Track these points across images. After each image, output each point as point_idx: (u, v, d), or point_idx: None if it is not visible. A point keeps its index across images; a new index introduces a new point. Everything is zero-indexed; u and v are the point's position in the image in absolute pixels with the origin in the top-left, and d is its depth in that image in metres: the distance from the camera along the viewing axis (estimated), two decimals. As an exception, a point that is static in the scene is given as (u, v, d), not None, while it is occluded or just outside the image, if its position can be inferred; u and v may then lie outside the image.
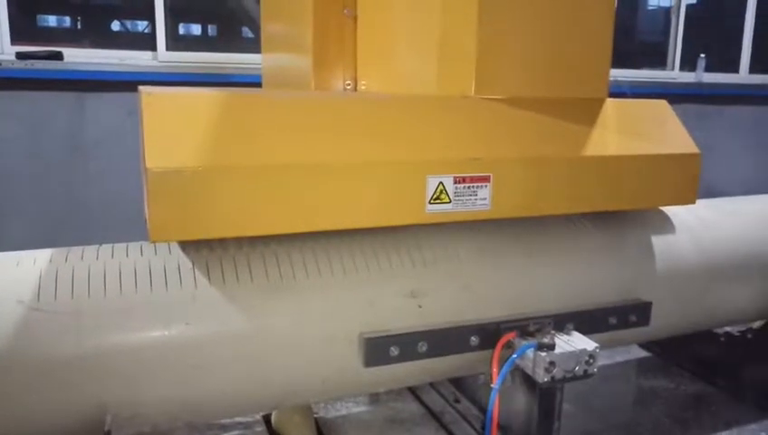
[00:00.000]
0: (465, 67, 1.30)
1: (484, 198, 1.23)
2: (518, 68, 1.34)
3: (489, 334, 1.27)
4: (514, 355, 1.20)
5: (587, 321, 1.37)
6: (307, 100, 1.25)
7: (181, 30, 4.80)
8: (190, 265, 1.17)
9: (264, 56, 2.17)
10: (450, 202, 1.21)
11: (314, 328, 1.20)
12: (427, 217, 1.20)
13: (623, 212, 1.46)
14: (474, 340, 1.27)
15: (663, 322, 1.56)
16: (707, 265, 1.59)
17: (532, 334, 1.26)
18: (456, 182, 1.20)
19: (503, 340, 1.23)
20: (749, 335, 1.74)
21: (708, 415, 1.65)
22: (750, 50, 5.66)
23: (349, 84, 1.68)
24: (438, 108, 1.29)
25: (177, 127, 1.06)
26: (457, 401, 1.65)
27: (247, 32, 4.92)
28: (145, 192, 1.04)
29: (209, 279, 1.16)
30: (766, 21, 5.72)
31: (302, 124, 1.15)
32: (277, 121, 1.14)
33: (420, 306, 1.27)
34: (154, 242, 1.07)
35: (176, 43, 4.37)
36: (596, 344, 1.21)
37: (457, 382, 1.66)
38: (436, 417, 1.61)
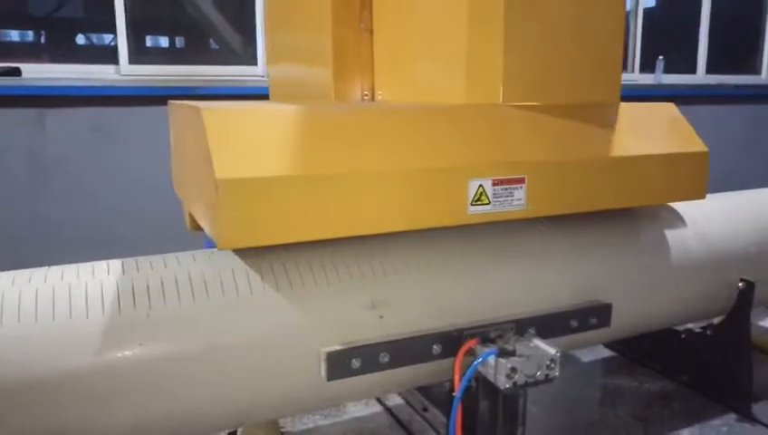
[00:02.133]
0: (492, 77, 1.40)
1: (520, 199, 1.33)
2: (541, 76, 1.44)
3: (451, 342, 1.28)
4: (476, 362, 1.21)
5: (548, 325, 1.39)
6: (353, 112, 1.32)
7: (149, 42, 4.74)
8: (145, 285, 1.15)
9: (272, 68, 2.27)
10: (489, 203, 1.30)
11: (273, 344, 1.19)
12: (469, 218, 1.29)
13: (590, 213, 1.49)
14: (436, 348, 1.28)
15: (624, 322, 1.59)
16: (668, 265, 1.63)
17: (493, 341, 1.27)
18: (494, 184, 1.30)
19: (464, 347, 1.24)
20: (708, 332, 1.77)
21: (670, 411, 1.68)
22: (706, 51, 5.82)
23: (366, 95, 1.78)
24: (472, 116, 1.38)
25: (236, 141, 1.14)
26: (425, 409, 1.65)
27: (215, 44, 4.87)
28: (205, 203, 1.17)
29: (164, 298, 1.14)
30: (722, 22, 5.89)
31: (351, 135, 1.24)
32: (329, 133, 1.23)
33: (381, 317, 1.27)
34: (222, 249, 1.14)
35: (142, 56, 4.32)
36: (556, 349, 1.23)
37: (425, 390, 1.66)
38: (404, 426, 1.61)
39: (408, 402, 1.70)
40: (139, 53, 4.51)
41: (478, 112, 1.38)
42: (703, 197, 1.60)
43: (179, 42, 4.95)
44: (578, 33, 1.47)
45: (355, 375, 1.21)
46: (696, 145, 1.58)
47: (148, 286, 1.15)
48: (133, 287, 1.14)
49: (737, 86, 5.99)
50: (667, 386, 1.82)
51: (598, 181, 1.43)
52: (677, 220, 1.71)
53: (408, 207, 1.23)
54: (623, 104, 1.56)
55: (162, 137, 4.36)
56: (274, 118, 1.21)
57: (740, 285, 1.69)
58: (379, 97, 1.78)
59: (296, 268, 1.27)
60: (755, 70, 6.21)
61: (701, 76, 5.89)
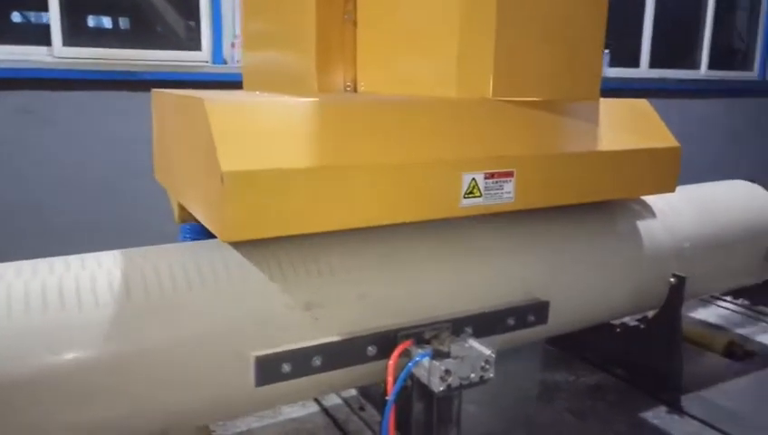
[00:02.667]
0: (482, 71, 1.41)
1: (509, 192, 1.37)
2: (528, 72, 1.47)
3: (386, 343, 1.26)
4: (409, 365, 1.19)
5: (485, 323, 1.39)
6: (350, 104, 1.33)
7: (91, 22, 4.51)
8: (74, 286, 1.09)
9: (247, 54, 2.23)
10: (481, 196, 1.34)
11: (200, 349, 1.15)
12: (461, 210, 1.33)
13: (531, 210, 1.50)
14: (371, 350, 1.25)
15: (562, 319, 1.60)
16: (606, 261, 1.65)
17: (429, 342, 1.25)
18: (486, 178, 1.34)
19: (398, 349, 1.22)
20: (642, 326, 1.81)
21: (604, 405, 1.71)
22: (650, 45, 5.97)
23: (349, 86, 1.79)
24: (464, 110, 1.40)
25: (239, 133, 1.15)
26: (362, 408, 1.63)
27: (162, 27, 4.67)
28: (204, 195, 1.19)
29: (94, 299, 1.09)
30: (665, 17, 6.05)
31: (351, 127, 1.26)
32: (330, 125, 1.25)
33: (316, 319, 1.24)
34: (226, 241, 1.17)
35: (82, 37, 4.11)
36: (491, 350, 1.22)
37: (362, 389, 1.64)
38: (339, 426, 1.58)
39: (345, 402, 1.68)
40: (81, 35, 4.29)
41: (470, 107, 1.41)
42: (673, 190, 1.69)
43: (124, 23, 4.72)
44: (564, 31, 1.51)
45: (286, 380, 1.18)
46: (669, 140, 1.65)
47: (77, 286, 1.09)
48: (61, 288, 1.08)
49: (679, 80, 6.18)
50: (602, 380, 1.85)
51: (581, 175, 1.49)
52: (626, 214, 1.74)
53: (404, 199, 1.26)
54: (602, 100, 1.61)
55: (99, 123, 4.18)
56: (275, 110, 1.23)
57: (671, 280, 1.72)
58: (362, 89, 1.79)
59: (225, 268, 1.22)
60: (695, 65, 6.42)
61: (644, 70, 6.05)
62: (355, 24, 1.78)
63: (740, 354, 2.02)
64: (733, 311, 2.42)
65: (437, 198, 1.30)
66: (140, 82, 4.09)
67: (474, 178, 1.33)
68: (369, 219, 1.25)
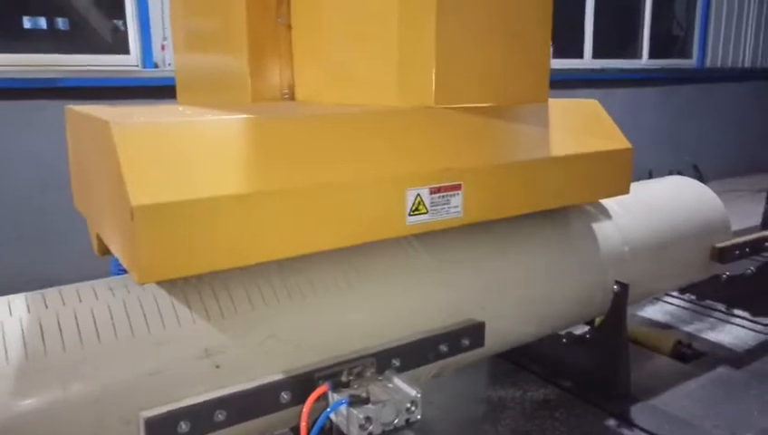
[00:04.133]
0: (424, 78, 1.31)
1: (457, 206, 1.29)
2: (473, 78, 1.38)
3: (302, 388, 1.12)
4: (324, 414, 1.05)
5: (414, 353, 1.26)
6: (278, 120, 1.17)
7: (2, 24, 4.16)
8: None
9: (179, 57, 2.10)
10: (427, 213, 1.25)
11: (80, 413, 0.98)
12: (407, 229, 1.23)
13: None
14: (285, 396, 1.11)
15: (500, 337, 1.49)
16: (545, 273, 1.55)
17: (347, 384, 1.12)
18: (431, 193, 1.25)
19: (313, 396, 1.08)
20: (587, 335, 1.73)
21: (552, 423, 1.61)
22: (592, 36, 5.99)
23: (286, 93, 1.70)
24: (404, 120, 1.29)
25: (151, 160, 1.00)
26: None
27: (35, 22, 4.29)
28: (118, 230, 1.04)
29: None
30: (607, 7, 6.07)
31: (278, 147, 1.12)
32: (253, 146, 1.10)
33: (218, 366, 1.08)
34: (141, 283, 1.02)
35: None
36: (417, 390, 1.10)
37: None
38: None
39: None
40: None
41: (411, 116, 1.31)
42: (627, 192, 1.63)
43: (39, 24, 4.40)
44: (508, 32, 1.41)
45: (184, 441, 1.02)
46: (621, 142, 1.60)
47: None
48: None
49: (621, 70, 6.23)
50: (550, 393, 1.76)
51: (532, 183, 1.42)
52: (579, 218, 1.65)
53: (344, 222, 1.15)
54: (551, 101, 1.54)
55: (12, 136, 3.88)
56: (192, 131, 1.07)
57: (615, 287, 1.64)
58: (300, 95, 1.69)
59: (122, 314, 1.06)
60: (636, 54, 6.48)
61: (588, 61, 6.07)
62: (290, 27, 1.67)
63: (688, 355, 1.96)
64: (679, 307, 2.37)
65: (380, 218, 1.20)
66: (60, 90, 3.83)
67: (419, 194, 1.23)
68: (305, 247, 1.13)
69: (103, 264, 1.89)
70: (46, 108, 3.71)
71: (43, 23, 4.26)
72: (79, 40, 4.41)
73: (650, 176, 3.43)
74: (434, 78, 1.30)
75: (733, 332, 2.16)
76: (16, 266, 3.61)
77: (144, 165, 0.99)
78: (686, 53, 6.90)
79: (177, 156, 1.03)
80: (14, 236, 3.70)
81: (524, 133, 1.47)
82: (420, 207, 1.24)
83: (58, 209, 3.42)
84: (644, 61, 6.51)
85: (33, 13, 4.26)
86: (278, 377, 1.11)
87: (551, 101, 1.54)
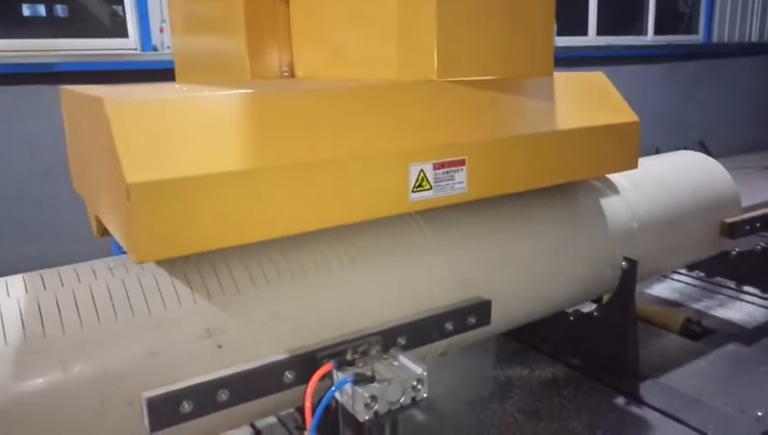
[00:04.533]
0: (425, 50, 1.28)
1: (461, 182, 1.25)
2: (475, 50, 1.34)
3: (307, 366, 1.10)
4: (328, 394, 1.03)
5: (420, 331, 1.24)
6: (275, 95, 1.14)
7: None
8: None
9: (177, 39, 2.07)
10: (431, 189, 1.21)
11: (81, 394, 0.97)
12: (411, 205, 1.20)
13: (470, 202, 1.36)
14: (289, 376, 1.09)
15: (507, 316, 1.47)
16: (558, 248, 1.53)
17: (352, 363, 1.10)
18: (435, 168, 1.21)
19: (316, 375, 1.06)
20: (595, 313, 1.70)
21: (560, 401, 1.60)
22: (596, 14, 5.90)
23: (286, 71, 1.66)
24: (406, 94, 1.26)
25: (146, 137, 0.98)
26: (299, 427, 1.48)
27: (34, 9, 4.23)
28: (115, 210, 1.01)
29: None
30: (610, -16, 5.97)
31: (277, 122, 1.09)
32: (250, 122, 1.07)
33: (220, 346, 1.07)
34: (138, 262, 1.00)
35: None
36: (423, 367, 1.07)
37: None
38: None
39: (280, 421, 1.52)
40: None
41: (413, 90, 1.27)
42: (635, 166, 1.58)
43: (38, 10, 4.35)
44: (511, 3, 1.37)
45: (186, 421, 1.01)
46: (628, 115, 1.55)
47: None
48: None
49: (627, 47, 6.14)
50: (558, 372, 1.74)
51: (537, 158, 1.38)
52: (587, 193, 1.62)
53: (346, 198, 1.12)
54: (555, 75, 1.49)
55: (12, 121, 3.85)
56: (188, 107, 1.04)
57: (623, 264, 1.61)
58: (300, 73, 1.65)
59: (121, 294, 1.04)
60: (642, 31, 6.38)
61: (592, 38, 5.98)
62: (287, 4, 1.63)
63: (698, 332, 1.93)
64: (688, 284, 2.35)
65: (384, 194, 1.16)
66: (58, 75, 3.79)
67: (422, 170, 1.19)
68: (306, 225, 1.10)
69: (105, 250, 1.87)
70: (44, 93, 3.68)
71: (42, 10, 4.21)
72: (78, 26, 4.37)
73: (657, 153, 3.39)
74: (436, 51, 1.27)
75: (743, 308, 2.14)
76: (18, 253, 3.61)
77: (139, 142, 0.96)
78: (692, 29, 6.79)
79: (173, 133, 1.00)
80: (14, 222, 3.68)
81: (529, 107, 1.43)
82: (424, 183, 1.21)
83: (58, 195, 3.40)
84: (649, 37, 6.41)
85: (32, 0, 4.21)
86: (281, 356, 1.09)
87: (556, 74, 1.50)
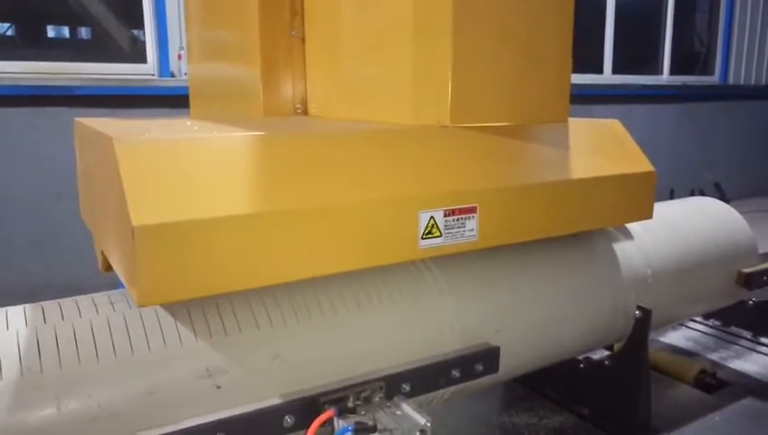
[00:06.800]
0: (439, 95, 1.27)
1: (472, 229, 1.23)
2: (490, 96, 1.33)
3: (306, 411, 1.06)
4: (329, 443, 1.00)
5: (425, 378, 1.21)
6: (289, 138, 1.13)
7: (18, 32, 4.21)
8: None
9: (193, 67, 2.10)
10: (441, 236, 1.19)
11: (75, 432, 0.94)
12: (420, 252, 1.18)
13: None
14: (288, 420, 1.06)
15: (515, 363, 1.43)
16: (570, 294, 1.49)
17: (353, 410, 1.06)
18: (446, 215, 1.19)
19: (317, 421, 1.03)
20: (607, 362, 1.66)
21: (568, 453, 1.55)
22: (612, 52, 5.92)
23: (299, 108, 1.67)
24: (418, 139, 1.24)
25: (155, 178, 0.97)
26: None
27: (58, 31, 4.30)
28: (120, 249, 1.00)
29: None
30: (625, 24, 6.01)
31: (288, 166, 1.08)
32: (262, 164, 1.06)
33: (219, 387, 1.04)
34: (141, 306, 0.97)
35: (11, 50, 3.84)
36: (427, 418, 1.04)
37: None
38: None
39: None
40: (9, 47, 4.01)
41: (425, 135, 1.25)
42: (650, 217, 1.55)
43: (60, 33, 4.44)
44: (526, 49, 1.36)
45: (181, 464, 0.98)
46: (644, 165, 1.52)
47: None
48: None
49: (642, 86, 6.14)
50: (565, 421, 1.69)
51: (549, 207, 1.35)
52: (600, 240, 1.58)
53: (355, 245, 1.10)
54: (570, 121, 1.47)
55: (31, 142, 3.90)
56: (198, 148, 1.03)
57: (636, 313, 1.57)
58: (313, 110, 1.67)
59: (121, 331, 1.02)
60: (657, 70, 6.39)
61: (608, 76, 6.00)
62: (303, 40, 1.64)
63: (713, 385, 1.87)
64: (703, 332, 2.29)
65: (392, 240, 1.14)
66: (79, 98, 3.84)
67: (432, 217, 1.17)
68: (314, 270, 1.08)
69: (115, 274, 1.86)
70: (65, 115, 3.72)
71: (66, 32, 4.29)
72: (99, 49, 4.45)
73: (672, 195, 3.35)
74: (450, 96, 1.26)
75: (759, 361, 2.07)
76: (33, 272, 3.61)
77: (147, 183, 0.95)
78: (708, 70, 6.79)
79: (181, 174, 0.99)
80: (31, 242, 3.70)
81: (543, 154, 1.41)
82: (434, 230, 1.18)
83: (74, 216, 3.42)
84: (665, 77, 6.42)
85: (57, 22, 4.31)
86: (282, 400, 1.06)
87: (570, 120, 1.48)
